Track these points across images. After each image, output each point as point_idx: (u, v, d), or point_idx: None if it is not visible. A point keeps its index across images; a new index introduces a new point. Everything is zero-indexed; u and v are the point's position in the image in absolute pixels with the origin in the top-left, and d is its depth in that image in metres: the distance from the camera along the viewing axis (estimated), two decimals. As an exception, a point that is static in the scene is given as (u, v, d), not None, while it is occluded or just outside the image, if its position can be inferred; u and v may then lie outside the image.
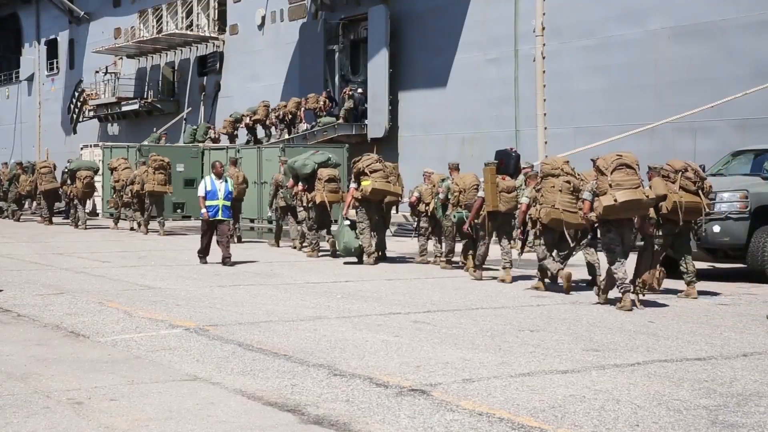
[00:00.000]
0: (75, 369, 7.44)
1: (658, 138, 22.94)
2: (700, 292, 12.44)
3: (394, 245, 19.91)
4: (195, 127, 39.06)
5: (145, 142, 36.29)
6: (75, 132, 50.84)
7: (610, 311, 10.89)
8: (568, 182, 12.45)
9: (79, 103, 50.83)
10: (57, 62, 53.72)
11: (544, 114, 27.00)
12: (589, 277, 13.09)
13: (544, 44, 26.97)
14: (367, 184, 16.51)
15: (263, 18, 38.23)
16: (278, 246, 20.39)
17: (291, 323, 9.72)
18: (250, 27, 38.99)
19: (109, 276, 14.35)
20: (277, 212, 20.45)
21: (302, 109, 33.61)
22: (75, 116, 51.35)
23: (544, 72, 27.04)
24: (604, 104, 25.20)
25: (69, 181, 27.31)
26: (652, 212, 11.60)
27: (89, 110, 49.35)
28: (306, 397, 6.49)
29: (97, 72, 48.47)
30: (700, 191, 12.14)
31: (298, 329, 9.33)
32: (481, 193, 13.99)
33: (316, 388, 6.75)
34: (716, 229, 13.81)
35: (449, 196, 15.42)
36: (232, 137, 35.91)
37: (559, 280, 12.59)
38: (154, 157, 24.89)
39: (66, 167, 28.68)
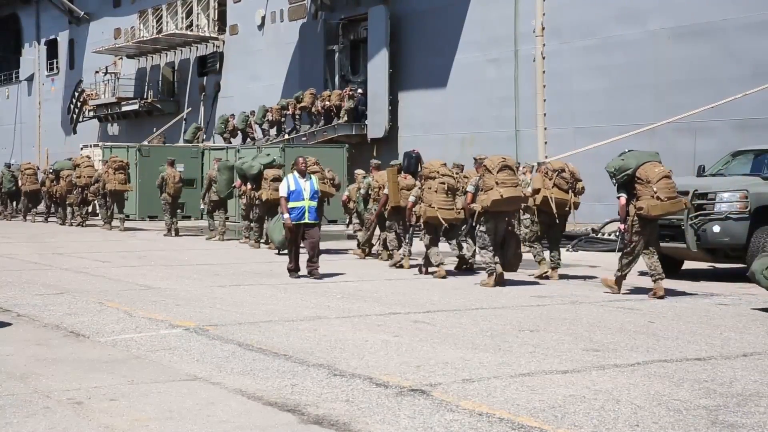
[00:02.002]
0: (75, 369, 7.44)
1: (658, 138, 22.93)
2: (702, 293, 12.44)
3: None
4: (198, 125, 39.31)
5: (145, 142, 36.47)
6: (75, 132, 50.86)
7: (610, 311, 10.90)
8: (443, 183, 14.43)
9: (79, 103, 50.85)
10: (57, 62, 53.73)
11: (544, 114, 27.00)
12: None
13: (544, 44, 26.97)
14: None
15: (263, 18, 38.23)
16: (222, 240, 22.01)
17: (291, 323, 9.72)
18: (250, 27, 38.99)
19: (109, 276, 14.35)
20: (211, 205, 22.31)
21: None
22: (75, 116, 51.36)
23: (544, 72, 27.04)
24: (604, 104, 25.21)
25: (55, 181, 29.60)
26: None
27: (89, 110, 49.37)
28: (306, 397, 6.49)
29: (97, 72, 48.48)
30: (571, 190, 14.30)
31: (298, 329, 9.33)
32: (386, 191, 16.22)
33: (316, 388, 6.75)
34: (716, 229, 13.81)
35: (370, 192, 17.44)
36: (245, 135, 35.77)
37: (442, 270, 14.56)
38: (113, 158, 26.90)
39: (50, 168, 30.95)
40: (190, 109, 42.34)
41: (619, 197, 12.40)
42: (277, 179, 18.98)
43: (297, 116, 33.66)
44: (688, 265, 15.36)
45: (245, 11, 39.27)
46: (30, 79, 56.48)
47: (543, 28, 27.00)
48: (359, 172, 18.87)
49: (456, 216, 14.48)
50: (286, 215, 14.08)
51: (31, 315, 10.26)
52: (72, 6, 50.74)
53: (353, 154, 29.02)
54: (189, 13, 43.14)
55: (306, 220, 14.07)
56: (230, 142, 35.55)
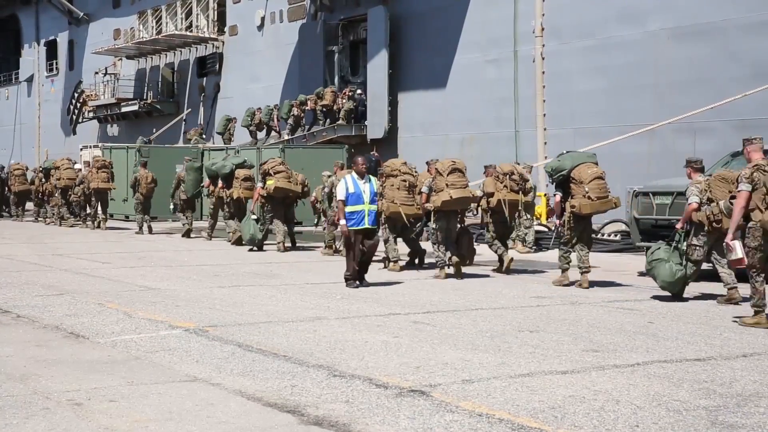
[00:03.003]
0: (74, 370, 7.44)
1: (657, 138, 22.96)
2: (702, 293, 12.43)
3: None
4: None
5: (140, 143, 36.57)
6: (75, 133, 50.87)
7: (609, 312, 10.90)
8: (405, 180, 15.15)
9: (78, 104, 50.86)
10: (56, 63, 53.73)
11: (544, 115, 27.00)
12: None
13: (543, 45, 26.98)
14: (271, 183, 19.09)
15: (262, 19, 38.23)
16: (189, 237, 23.03)
17: (290, 324, 9.72)
18: (250, 28, 38.99)
19: (109, 277, 14.35)
20: (180, 205, 23.31)
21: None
22: (74, 117, 51.37)
23: (543, 73, 27.05)
24: (603, 105, 25.21)
25: (44, 180, 30.46)
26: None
27: (89, 111, 49.37)
28: (306, 398, 6.49)
29: (96, 73, 48.48)
30: (521, 191, 15.45)
31: (297, 330, 9.33)
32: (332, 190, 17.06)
33: (316, 389, 6.75)
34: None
35: (333, 190, 17.58)
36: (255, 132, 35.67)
37: (399, 263, 15.56)
38: (96, 157, 28.05)
39: (40, 167, 31.88)
40: (189, 110, 42.34)
41: (555, 194, 13.67)
42: (248, 179, 20.57)
43: (320, 111, 33.36)
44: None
45: (245, 12, 39.27)
46: (30, 80, 56.48)
47: (542, 29, 27.01)
48: (325, 172, 19.26)
49: (416, 211, 15.27)
50: (343, 221, 12.95)
51: (31, 316, 10.25)
52: (71, 7, 50.75)
53: (352, 155, 29.01)
54: (188, 14, 43.15)
55: (366, 225, 12.99)
56: (256, 136, 35.20)
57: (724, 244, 10.42)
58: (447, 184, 14.16)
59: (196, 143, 35.67)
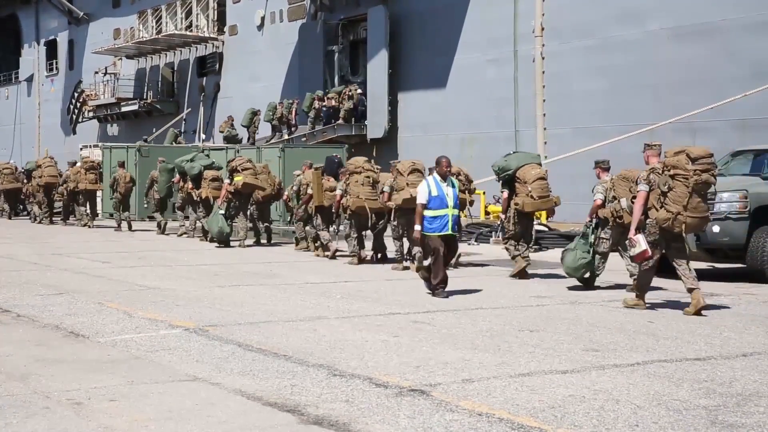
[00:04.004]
0: (74, 369, 7.44)
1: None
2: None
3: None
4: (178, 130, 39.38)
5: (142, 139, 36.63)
6: (74, 133, 50.89)
7: (609, 311, 10.90)
8: (368, 177, 16.21)
9: (78, 104, 50.88)
10: (56, 63, 53.75)
11: (544, 114, 27.02)
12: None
13: (543, 45, 26.99)
14: (239, 179, 19.98)
15: (262, 19, 38.24)
16: (165, 234, 24.13)
17: (290, 323, 9.72)
18: (250, 28, 39.00)
19: (109, 276, 14.35)
20: (155, 204, 24.57)
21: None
22: (74, 117, 51.39)
23: (543, 72, 27.06)
24: (603, 105, 25.22)
25: (26, 180, 31.71)
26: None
27: (89, 111, 49.39)
28: (306, 398, 6.49)
29: (96, 73, 48.50)
30: (467, 191, 16.21)
31: (297, 329, 9.33)
32: (310, 191, 18.00)
33: (316, 389, 6.75)
34: (716, 229, 13.80)
35: (300, 189, 18.84)
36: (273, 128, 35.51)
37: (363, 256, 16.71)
38: (86, 158, 29.18)
39: (22, 169, 33.03)
40: (189, 109, 42.35)
41: (502, 192, 14.54)
42: (216, 179, 21.51)
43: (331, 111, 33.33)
44: (687, 265, 15.35)
45: (245, 12, 39.28)
46: (29, 79, 56.50)
47: (542, 29, 27.02)
48: (296, 171, 19.95)
49: (380, 206, 16.12)
50: (417, 227, 12.12)
51: (31, 315, 10.25)
52: (71, 6, 50.76)
53: (353, 155, 29.01)
54: (188, 14, 43.16)
55: (449, 231, 12.06)
56: (280, 130, 34.89)
57: (627, 239, 11.22)
58: (408, 183, 15.11)
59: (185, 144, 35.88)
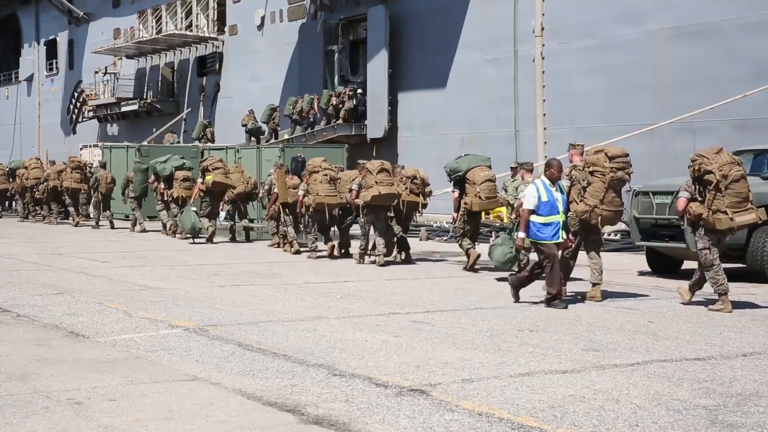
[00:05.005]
0: (74, 369, 7.44)
1: (657, 138, 22.96)
2: (701, 293, 12.42)
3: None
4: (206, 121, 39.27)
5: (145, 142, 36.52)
6: (74, 132, 50.85)
7: (609, 311, 10.90)
8: (326, 175, 17.27)
9: (78, 104, 50.84)
10: (56, 63, 53.72)
11: (544, 114, 27.00)
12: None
13: (543, 45, 26.97)
14: (209, 178, 21.07)
15: (262, 18, 38.22)
16: (144, 230, 24.96)
17: (290, 323, 9.72)
18: (250, 27, 38.98)
19: (109, 276, 14.35)
20: (132, 202, 25.41)
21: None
22: (74, 117, 51.35)
23: (543, 72, 27.04)
24: (603, 105, 25.20)
25: (11, 179, 32.46)
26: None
27: (89, 111, 49.35)
28: (305, 397, 6.49)
29: (96, 72, 48.47)
30: (421, 194, 17.09)
31: (297, 329, 9.33)
32: (275, 189, 19.17)
33: (316, 388, 6.75)
34: (716, 229, 13.77)
35: (271, 187, 19.82)
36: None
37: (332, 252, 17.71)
38: (71, 158, 29.84)
39: (6, 167, 33.52)
40: (189, 109, 42.33)
41: (453, 191, 15.53)
42: (186, 179, 22.55)
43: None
44: (688, 264, 15.35)
45: (245, 11, 39.26)
46: (29, 79, 56.47)
47: (542, 29, 27.00)
48: (271, 169, 20.73)
49: (340, 201, 17.25)
50: (522, 234, 11.21)
51: (31, 315, 10.26)
52: (71, 6, 50.73)
53: (353, 155, 29.02)
54: (188, 14, 43.14)
55: (560, 240, 11.20)
56: (301, 124, 34.66)
57: None
58: (376, 182, 16.10)
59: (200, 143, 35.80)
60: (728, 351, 8.38)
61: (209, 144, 35.33)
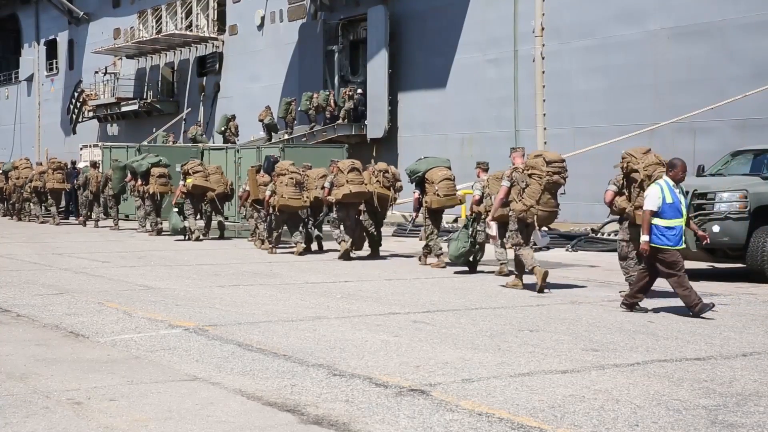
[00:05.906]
0: (74, 369, 7.44)
1: (657, 138, 22.94)
2: (701, 293, 12.41)
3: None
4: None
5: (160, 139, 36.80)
6: (74, 132, 50.86)
7: (609, 311, 10.90)
8: (292, 178, 18.18)
9: (78, 104, 50.85)
10: (56, 63, 53.73)
11: (544, 114, 27.00)
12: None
13: (543, 44, 26.98)
14: (189, 181, 21.98)
15: (262, 18, 38.23)
16: (119, 228, 26.22)
17: (290, 323, 9.72)
18: (250, 27, 38.99)
19: (109, 276, 14.35)
20: (111, 200, 26.52)
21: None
22: (74, 117, 51.36)
23: (543, 72, 27.05)
24: (603, 105, 25.20)
25: (5, 180, 33.35)
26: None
27: (89, 111, 49.36)
28: (305, 397, 6.49)
29: (96, 72, 48.48)
30: (392, 188, 17.67)
31: (297, 329, 9.33)
32: (247, 187, 20.56)
33: (316, 388, 6.75)
34: (716, 229, 13.79)
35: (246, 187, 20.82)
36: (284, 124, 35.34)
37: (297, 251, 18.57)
38: (52, 159, 30.96)
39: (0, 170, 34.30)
40: (189, 109, 42.34)
41: (414, 192, 16.35)
42: (163, 176, 23.84)
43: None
44: (687, 264, 15.22)
45: (245, 11, 39.27)
46: (29, 79, 56.48)
47: (542, 29, 27.00)
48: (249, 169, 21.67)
49: (303, 203, 18.41)
50: (646, 237, 10.34)
51: (31, 315, 10.26)
52: (71, 6, 50.74)
53: (352, 155, 29.02)
54: (188, 14, 43.15)
55: (682, 245, 10.47)
56: (315, 120, 34.49)
57: (485, 222, 13.96)
58: (347, 180, 16.99)
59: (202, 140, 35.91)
60: (728, 351, 8.38)
61: (209, 144, 35.35)
